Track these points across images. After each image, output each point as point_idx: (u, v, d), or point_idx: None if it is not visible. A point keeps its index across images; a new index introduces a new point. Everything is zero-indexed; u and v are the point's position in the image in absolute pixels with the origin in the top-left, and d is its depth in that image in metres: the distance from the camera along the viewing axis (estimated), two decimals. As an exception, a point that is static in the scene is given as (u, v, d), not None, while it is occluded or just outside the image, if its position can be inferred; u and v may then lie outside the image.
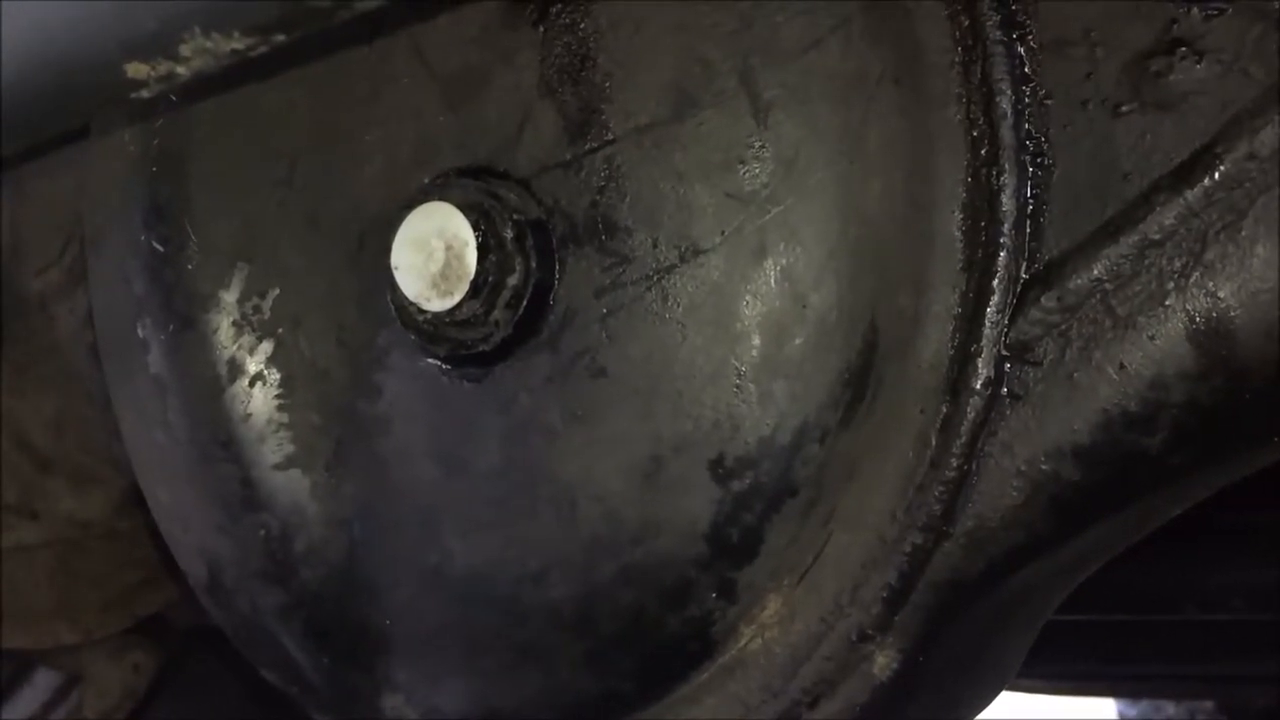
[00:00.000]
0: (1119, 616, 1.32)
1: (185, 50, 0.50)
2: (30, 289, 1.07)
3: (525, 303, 0.68)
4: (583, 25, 0.68)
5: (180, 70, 0.52)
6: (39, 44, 0.52)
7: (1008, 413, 0.60)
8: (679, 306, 0.66)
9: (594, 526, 0.69)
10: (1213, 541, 1.20)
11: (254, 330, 0.77)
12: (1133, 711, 2.33)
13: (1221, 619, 1.25)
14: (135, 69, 0.52)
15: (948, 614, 0.63)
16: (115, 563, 1.21)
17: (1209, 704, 2.16)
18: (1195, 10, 0.56)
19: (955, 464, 0.61)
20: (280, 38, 0.51)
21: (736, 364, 0.65)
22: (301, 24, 0.51)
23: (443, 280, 0.67)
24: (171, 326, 0.79)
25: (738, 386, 0.65)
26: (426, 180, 0.72)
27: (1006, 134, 0.60)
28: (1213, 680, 1.64)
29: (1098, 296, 0.58)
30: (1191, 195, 0.56)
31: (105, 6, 0.50)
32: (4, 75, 0.54)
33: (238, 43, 0.50)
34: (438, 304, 0.68)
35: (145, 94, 0.54)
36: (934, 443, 0.61)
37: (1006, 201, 0.60)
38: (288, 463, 0.77)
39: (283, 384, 0.77)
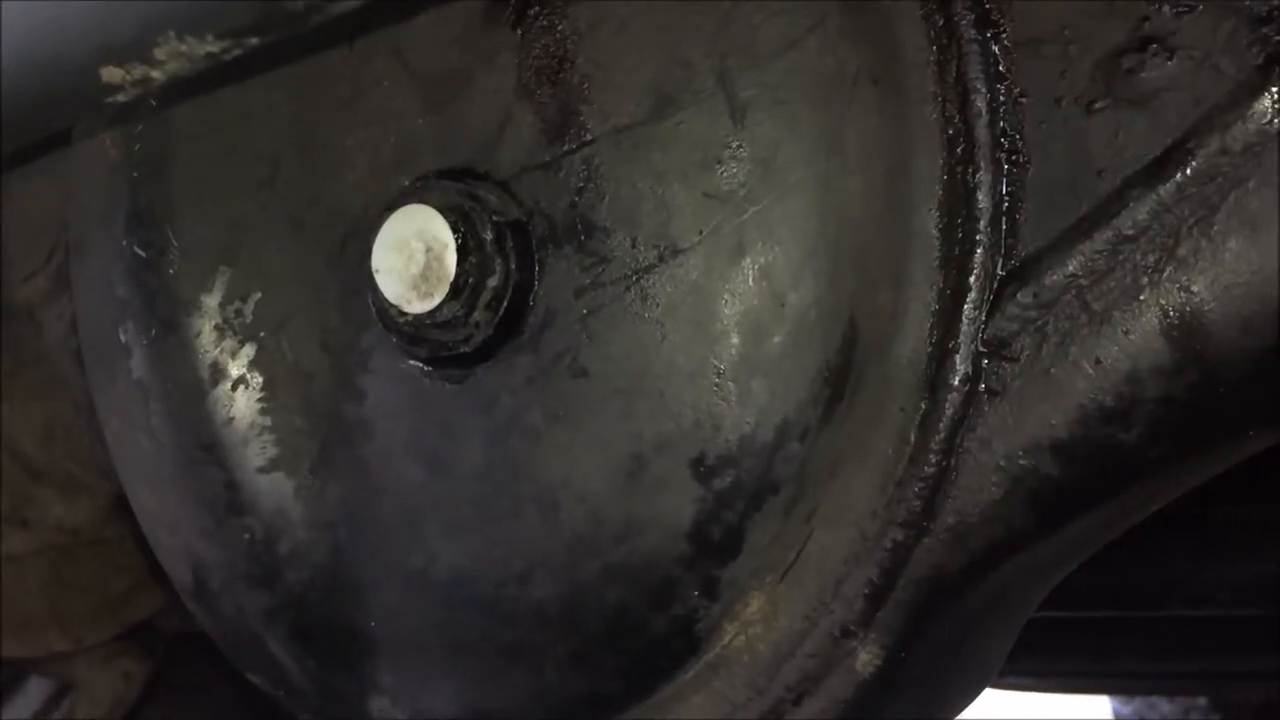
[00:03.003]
0: (1107, 613, 1.32)
1: (160, 54, 0.50)
2: (17, 296, 1.07)
3: (505, 304, 0.68)
4: (560, 27, 0.68)
5: (155, 74, 0.52)
6: (11, 49, 0.53)
7: (986, 408, 0.61)
8: (658, 306, 0.66)
9: (577, 526, 0.69)
10: (1198, 536, 1.20)
11: (236, 334, 0.77)
12: (1127, 710, 2.33)
13: (1210, 614, 1.26)
14: (110, 73, 0.52)
15: (930, 609, 0.64)
16: (105, 570, 1.21)
17: (1203, 701, 2.16)
18: (1166, 7, 0.57)
19: (935, 460, 0.61)
20: (254, 41, 0.51)
21: (716, 363, 0.65)
22: (276, 27, 0.51)
23: (423, 282, 0.67)
24: (154, 331, 0.79)
25: (718, 385, 0.65)
26: (407, 182, 0.72)
27: (982, 132, 0.60)
28: (1205, 677, 1.64)
29: (1073, 292, 0.59)
30: (1164, 191, 0.56)
31: (79, 11, 0.50)
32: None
33: (212, 46, 0.50)
34: (418, 306, 0.68)
35: (121, 98, 0.54)
36: (913, 439, 0.62)
37: (983, 199, 0.60)
38: (271, 466, 0.77)
39: (265, 387, 0.77)
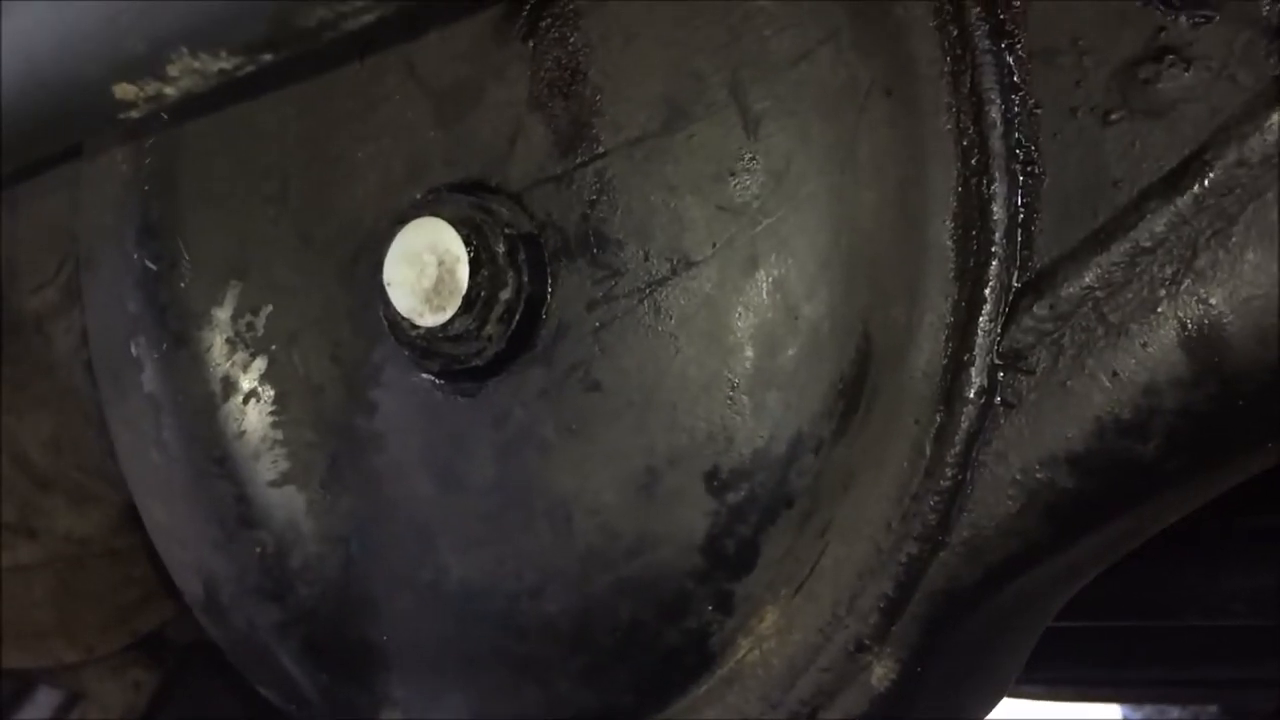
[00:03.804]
0: (1122, 623, 1.32)
1: (173, 71, 0.50)
2: (27, 308, 1.07)
3: (518, 317, 0.68)
4: (572, 39, 0.68)
5: (168, 90, 0.52)
6: (27, 66, 0.53)
7: (1002, 421, 0.60)
8: (671, 319, 0.66)
9: (590, 540, 0.68)
10: (1214, 546, 1.20)
11: (248, 347, 0.77)
12: (1138, 716, 2.32)
13: (1224, 624, 1.25)
14: (123, 90, 0.52)
15: (945, 623, 0.63)
16: (114, 581, 1.21)
17: (1213, 708, 2.15)
18: (1183, 18, 0.56)
19: (950, 473, 0.61)
20: (267, 58, 0.51)
21: (730, 376, 0.65)
22: (289, 44, 0.51)
23: (435, 295, 0.67)
24: (165, 345, 0.79)
25: (731, 398, 0.65)
26: (418, 196, 0.72)
27: (996, 143, 0.60)
28: (1216, 684, 1.64)
29: (1090, 304, 0.58)
30: (1182, 202, 0.56)
31: (93, 29, 0.50)
32: (-5, 96, 0.55)
33: (225, 63, 0.50)
34: (430, 319, 0.68)
35: (134, 114, 0.54)
36: (929, 452, 0.61)
37: (998, 210, 0.60)
38: (283, 479, 0.77)
39: (277, 401, 0.77)
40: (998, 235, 0.60)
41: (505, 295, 0.68)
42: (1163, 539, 0.68)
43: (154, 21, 0.49)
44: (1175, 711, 2.23)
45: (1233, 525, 1.19)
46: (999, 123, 0.60)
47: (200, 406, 0.78)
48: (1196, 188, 0.56)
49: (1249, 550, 1.20)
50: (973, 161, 0.60)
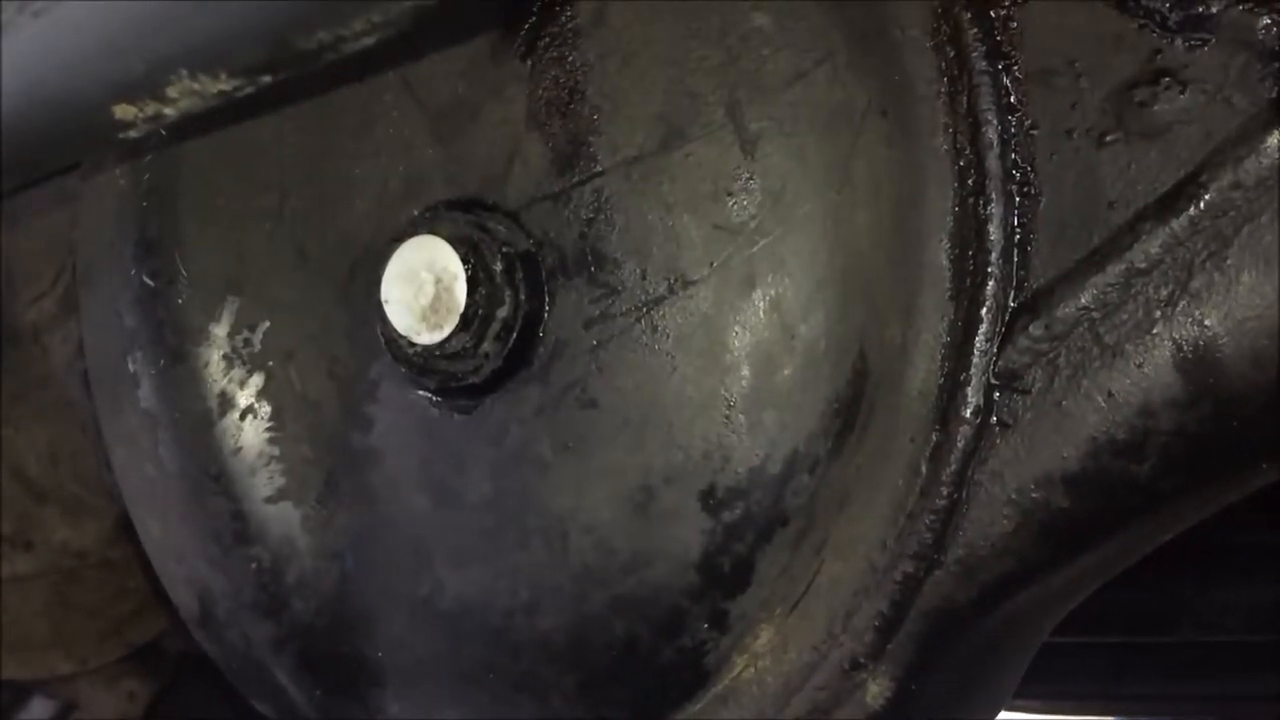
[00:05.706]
0: (1117, 637, 1.32)
1: (172, 92, 0.50)
2: (24, 319, 1.07)
3: (515, 335, 0.68)
4: (570, 59, 0.68)
5: (167, 111, 0.52)
6: (27, 86, 0.53)
7: (997, 441, 0.61)
8: (668, 337, 0.66)
9: (585, 557, 0.68)
10: (1209, 561, 1.20)
11: (245, 363, 0.77)
12: (1132, 728, 2.32)
13: (1219, 639, 1.25)
14: (123, 110, 0.52)
15: (940, 642, 0.63)
16: (109, 592, 1.21)
17: (1208, 721, 2.15)
18: (1179, 41, 0.57)
19: (946, 492, 0.61)
20: (267, 79, 0.51)
21: (726, 395, 0.65)
22: (289, 66, 0.51)
23: (432, 313, 0.67)
24: (162, 360, 0.79)
25: (727, 417, 0.65)
26: (416, 213, 0.72)
27: (993, 163, 0.60)
28: (1211, 699, 1.64)
29: (1085, 325, 0.58)
30: (1177, 224, 0.56)
31: (93, 50, 0.50)
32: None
33: (224, 84, 0.50)
34: (428, 337, 0.68)
35: (133, 134, 0.54)
36: (924, 471, 0.61)
37: (994, 231, 0.60)
38: (279, 495, 0.77)
39: (273, 417, 0.77)
40: (994, 255, 0.60)
41: (502, 313, 0.68)
42: (1158, 554, 0.68)
43: (154, 44, 0.49)
44: (1170, 724, 2.23)
45: (1228, 540, 1.19)
46: (995, 143, 0.60)
47: (197, 422, 0.78)
48: (1192, 210, 0.56)
49: (1244, 565, 1.20)
50: (969, 182, 0.60)
